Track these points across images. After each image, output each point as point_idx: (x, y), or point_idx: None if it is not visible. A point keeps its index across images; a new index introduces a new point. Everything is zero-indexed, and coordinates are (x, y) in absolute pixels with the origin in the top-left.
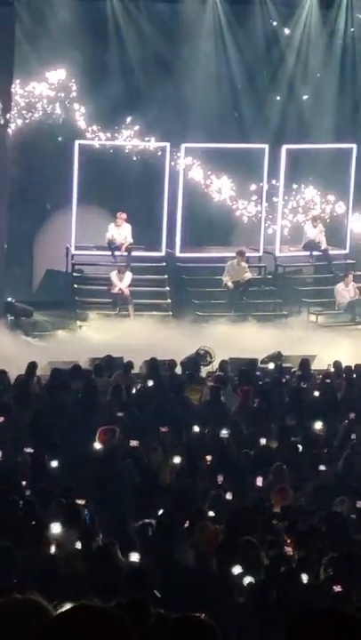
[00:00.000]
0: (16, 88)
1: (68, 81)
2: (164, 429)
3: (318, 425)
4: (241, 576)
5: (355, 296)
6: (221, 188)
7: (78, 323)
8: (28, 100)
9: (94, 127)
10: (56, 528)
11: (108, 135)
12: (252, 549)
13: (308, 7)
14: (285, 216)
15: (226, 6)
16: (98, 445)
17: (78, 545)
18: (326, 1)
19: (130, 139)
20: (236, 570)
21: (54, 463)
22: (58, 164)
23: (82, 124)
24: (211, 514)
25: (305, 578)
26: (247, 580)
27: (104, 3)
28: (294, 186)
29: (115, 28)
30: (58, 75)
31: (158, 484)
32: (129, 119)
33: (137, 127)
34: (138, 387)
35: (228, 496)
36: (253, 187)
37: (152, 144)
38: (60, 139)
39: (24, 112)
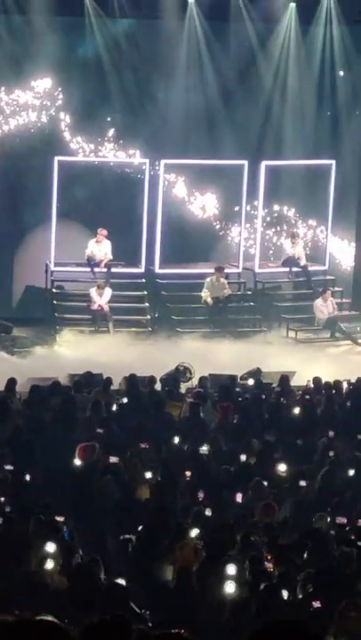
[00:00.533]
0: (1, 94)
1: (54, 90)
2: (143, 445)
3: (282, 467)
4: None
5: (333, 312)
6: (205, 205)
7: (58, 339)
8: (12, 109)
9: (78, 138)
10: (50, 547)
11: (92, 147)
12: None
13: (286, 23)
14: (268, 238)
15: (205, 22)
16: (78, 462)
17: (57, 561)
18: (305, 17)
19: (114, 151)
20: (231, 570)
21: (34, 479)
22: (40, 178)
23: (67, 134)
24: (195, 530)
25: (285, 594)
26: (230, 587)
27: (82, 18)
28: (275, 207)
29: (93, 44)
30: (44, 83)
31: (138, 500)
32: (112, 131)
33: (121, 141)
34: (117, 403)
35: (208, 512)
36: (234, 203)
37: (130, 160)
38: (42, 150)
39: (10, 119)
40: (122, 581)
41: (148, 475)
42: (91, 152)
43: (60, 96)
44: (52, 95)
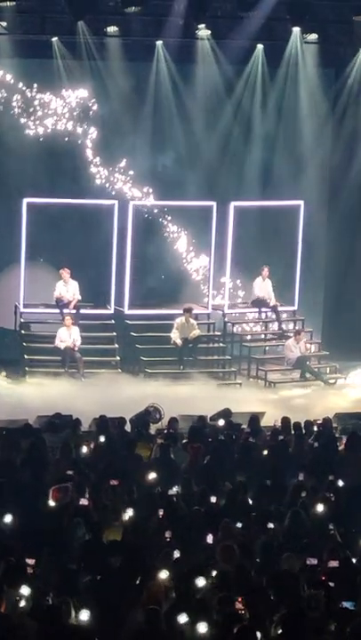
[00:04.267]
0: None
1: (89, 100)
2: (114, 482)
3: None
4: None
5: (305, 352)
6: (176, 247)
7: (27, 380)
8: (45, 111)
9: (97, 159)
10: (25, 590)
11: (106, 173)
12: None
13: (254, 65)
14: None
15: (173, 65)
16: (52, 503)
17: (28, 603)
18: (273, 59)
19: (129, 185)
20: (183, 619)
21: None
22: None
23: (90, 151)
24: (165, 571)
25: (256, 636)
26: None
27: (51, 61)
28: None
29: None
30: (79, 93)
31: (108, 541)
32: (123, 162)
33: (131, 172)
34: (87, 444)
35: (177, 554)
36: (204, 243)
37: (99, 202)
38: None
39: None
40: (85, 614)
41: (118, 516)
42: (106, 180)
43: (95, 107)
44: (87, 106)
